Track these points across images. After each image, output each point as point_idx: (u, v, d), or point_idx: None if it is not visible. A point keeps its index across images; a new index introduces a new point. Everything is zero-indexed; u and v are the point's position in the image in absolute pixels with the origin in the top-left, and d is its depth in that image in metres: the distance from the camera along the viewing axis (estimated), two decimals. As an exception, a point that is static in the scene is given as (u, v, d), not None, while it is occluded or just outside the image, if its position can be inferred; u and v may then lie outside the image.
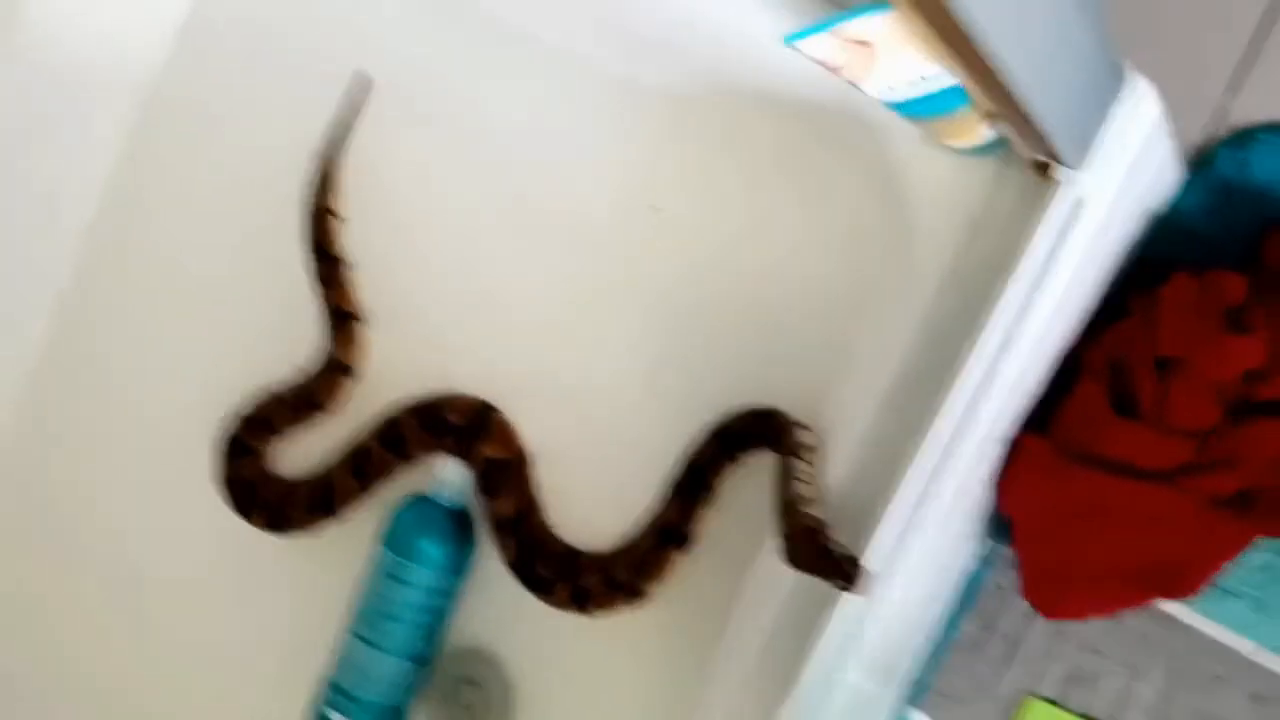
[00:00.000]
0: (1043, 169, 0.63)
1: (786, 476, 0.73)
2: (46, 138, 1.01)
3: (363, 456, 0.91)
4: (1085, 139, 0.61)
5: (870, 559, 0.67)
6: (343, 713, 0.88)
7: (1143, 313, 0.78)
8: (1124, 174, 0.66)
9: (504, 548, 0.87)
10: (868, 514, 0.68)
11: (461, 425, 0.88)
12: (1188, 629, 0.84)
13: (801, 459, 0.74)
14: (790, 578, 0.69)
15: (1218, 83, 0.86)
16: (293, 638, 0.95)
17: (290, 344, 0.96)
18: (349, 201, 0.94)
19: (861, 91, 0.58)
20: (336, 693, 0.89)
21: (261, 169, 0.97)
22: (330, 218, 0.94)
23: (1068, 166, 0.61)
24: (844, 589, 0.66)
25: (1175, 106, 0.82)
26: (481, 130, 0.91)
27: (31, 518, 1.07)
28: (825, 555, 0.67)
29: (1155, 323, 0.77)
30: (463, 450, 0.89)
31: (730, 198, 0.82)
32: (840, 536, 0.68)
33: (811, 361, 0.79)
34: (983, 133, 0.63)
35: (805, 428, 0.77)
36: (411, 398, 0.91)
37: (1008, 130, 0.59)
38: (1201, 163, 0.85)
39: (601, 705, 0.87)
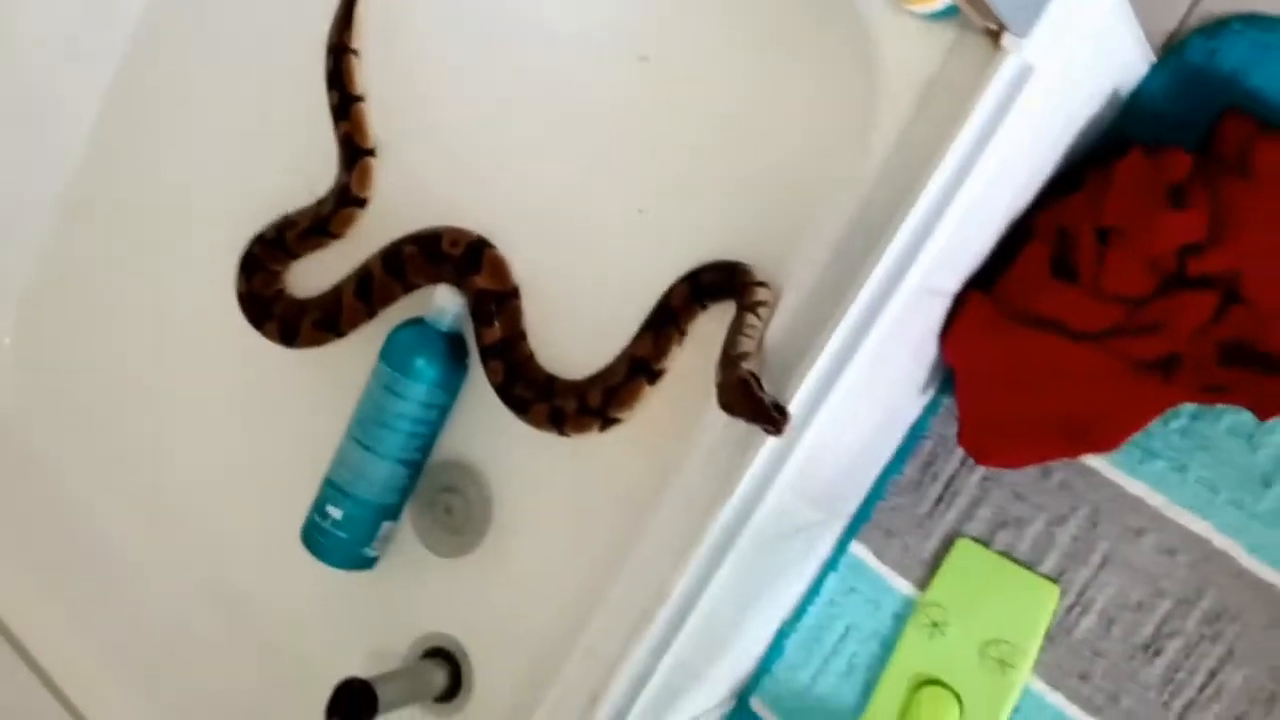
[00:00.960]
0: (994, 36, 0.68)
1: (735, 329, 0.79)
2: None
3: (367, 279, 0.99)
4: (1033, 10, 0.66)
5: (799, 395, 0.73)
6: (339, 506, 0.97)
7: (1095, 185, 0.84)
8: (1075, 48, 0.71)
9: (491, 371, 0.95)
10: (802, 354, 0.73)
11: (457, 256, 0.95)
12: (1109, 483, 0.91)
13: (754, 314, 0.80)
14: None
15: (1195, -29, 0.89)
16: (304, 446, 1.03)
17: (309, 175, 1.03)
18: (367, 39, 1.00)
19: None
20: (334, 489, 0.98)
21: (286, 11, 1.03)
22: (348, 55, 1.00)
23: (1014, 34, 0.66)
24: (770, 433, 0.72)
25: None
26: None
27: (67, 330, 1.16)
28: (754, 403, 0.72)
29: (1103, 194, 0.82)
30: (458, 280, 0.96)
31: (713, 55, 0.87)
32: (774, 377, 0.74)
33: (779, 213, 0.85)
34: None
35: (764, 285, 0.82)
36: (415, 229, 0.98)
37: (957, -5, 0.64)
38: (1173, 49, 0.89)
39: (568, 516, 0.95)
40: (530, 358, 0.95)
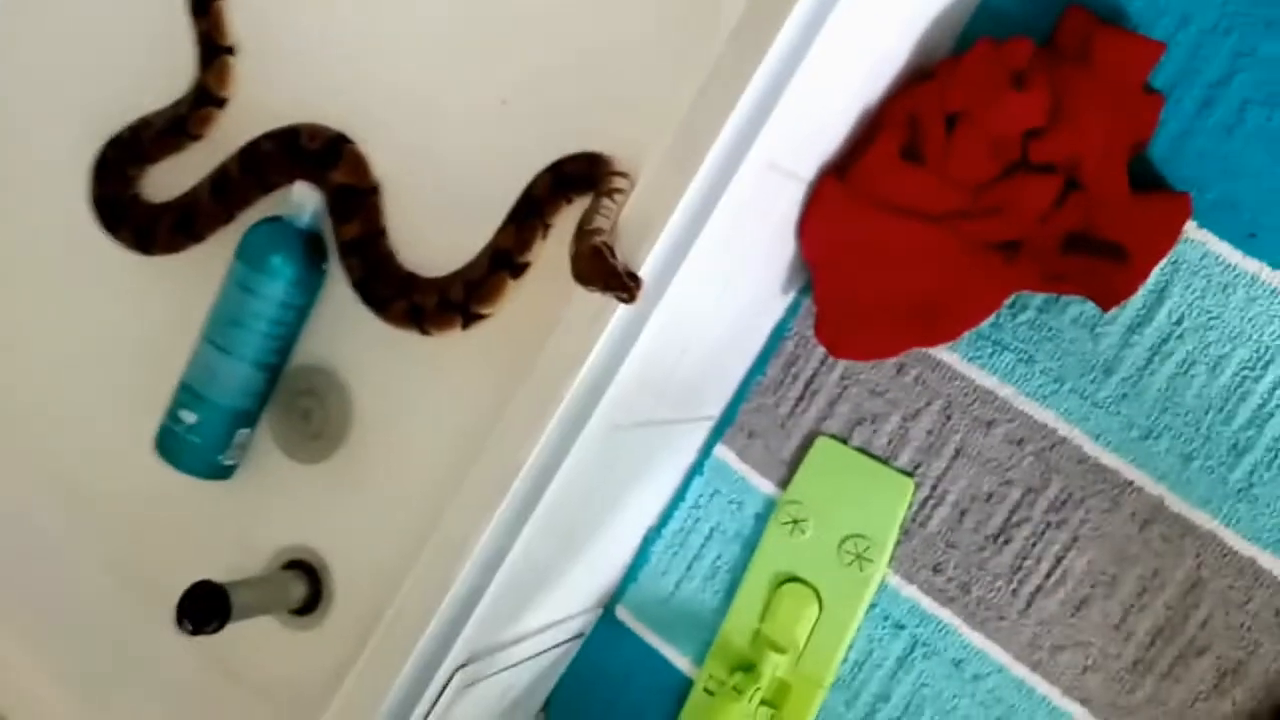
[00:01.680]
0: (830, -101, 0.69)
1: (592, 209, 0.79)
2: None
3: (224, 180, 0.97)
4: None
5: (649, 263, 0.73)
6: (193, 411, 0.95)
7: (944, 73, 0.85)
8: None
9: (349, 268, 0.93)
10: (652, 224, 0.74)
11: (316, 151, 0.94)
12: (961, 376, 0.93)
13: (609, 198, 0.80)
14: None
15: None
16: (164, 356, 1.00)
17: (166, 75, 1.00)
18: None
19: None
20: (188, 393, 0.96)
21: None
22: (205, -49, 0.98)
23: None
24: (623, 300, 0.72)
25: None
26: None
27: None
28: (608, 271, 0.72)
29: (951, 80, 0.84)
30: (316, 177, 0.94)
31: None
32: (626, 249, 0.74)
33: (635, 93, 0.85)
34: None
35: (624, 175, 0.82)
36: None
37: None
38: (1019, -47, 0.92)
39: (431, 417, 0.95)
40: (390, 255, 0.94)
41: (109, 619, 1.02)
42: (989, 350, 0.92)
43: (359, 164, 0.94)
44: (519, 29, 0.90)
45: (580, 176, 0.86)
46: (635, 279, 0.72)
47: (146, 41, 1.02)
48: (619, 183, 0.81)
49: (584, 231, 0.76)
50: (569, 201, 0.88)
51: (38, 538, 1.06)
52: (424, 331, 0.92)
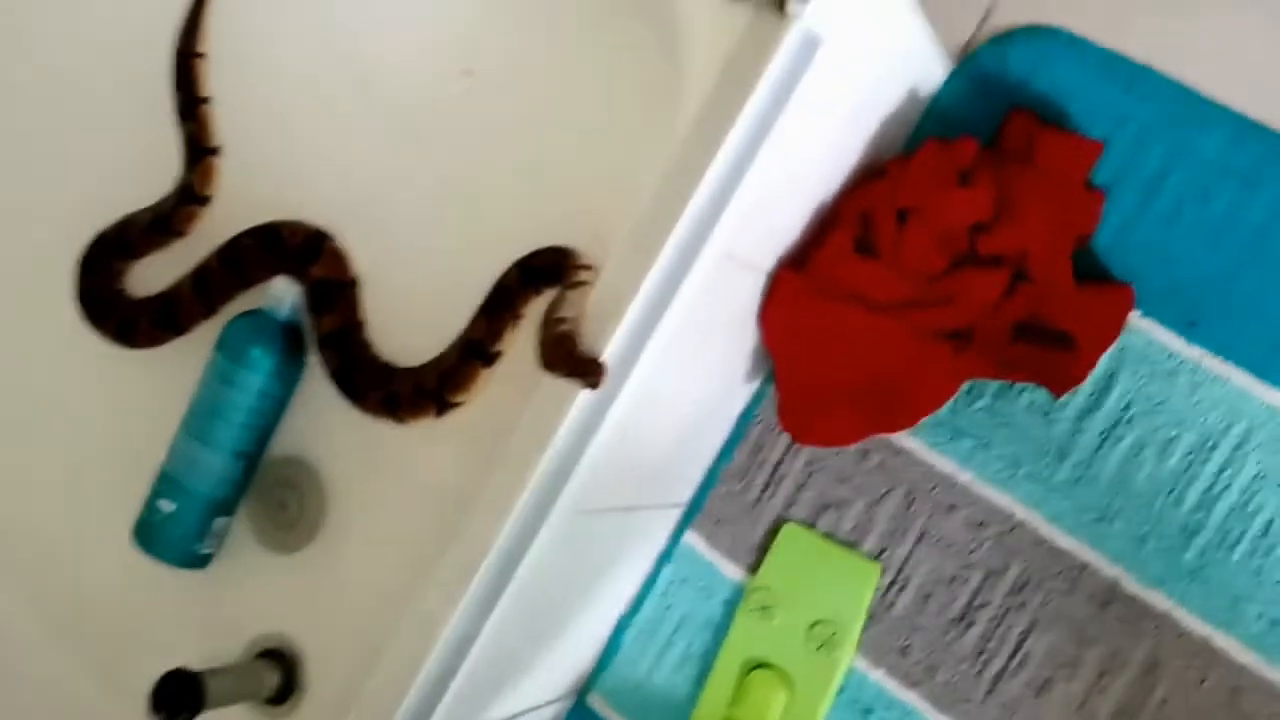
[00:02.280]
0: (779, 7, 0.74)
1: (558, 300, 0.83)
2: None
3: (205, 275, 1.00)
4: (812, -23, 0.72)
5: (609, 351, 0.77)
6: (171, 500, 0.97)
7: (894, 172, 0.90)
8: (860, 23, 0.77)
9: (326, 359, 0.96)
10: (612, 314, 0.77)
11: (296, 246, 0.97)
12: (921, 462, 0.95)
13: (575, 290, 0.84)
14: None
15: (986, -11, 0.98)
16: (142, 448, 1.02)
17: (152, 174, 1.04)
18: (213, 44, 1.03)
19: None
20: (166, 482, 0.97)
21: (135, 14, 1.05)
22: (195, 58, 1.03)
23: (795, 0, 0.72)
24: (589, 385, 0.76)
25: (949, 8, 0.95)
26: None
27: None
28: (572, 358, 0.76)
29: (901, 178, 0.88)
30: (297, 271, 0.97)
31: (535, 58, 0.93)
32: (588, 338, 0.78)
33: (598, 197, 0.89)
34: (732, -25, 0.74)
35: (589, 268, 0.86)
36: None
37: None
38: (967, 58, 0.97)
39: (405, 506, 0.96)
40: (367, 346, 0.97)
41: (80, 708, 1.02)
42: (948, 436, 0.94)
43: (338, 259, 0.97)
44: (491, 128, 0.95)
45: (548, 269, 0.90)
46: (599, 365, 0.75)
47: (132, 141, 1.06)
48: (584, 275, 0.85)
49: (550, 320, 0.80)
50: (538, 293, 0.91)
51: (8, 626, 1.06)
52: (399, 420, 0.94)
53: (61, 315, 1.05)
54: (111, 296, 1.04)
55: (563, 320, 0.80)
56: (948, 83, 0.96)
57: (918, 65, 0.93)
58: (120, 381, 1.06)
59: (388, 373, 0.95)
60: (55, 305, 1.06)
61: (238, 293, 1.00)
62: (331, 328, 0.96)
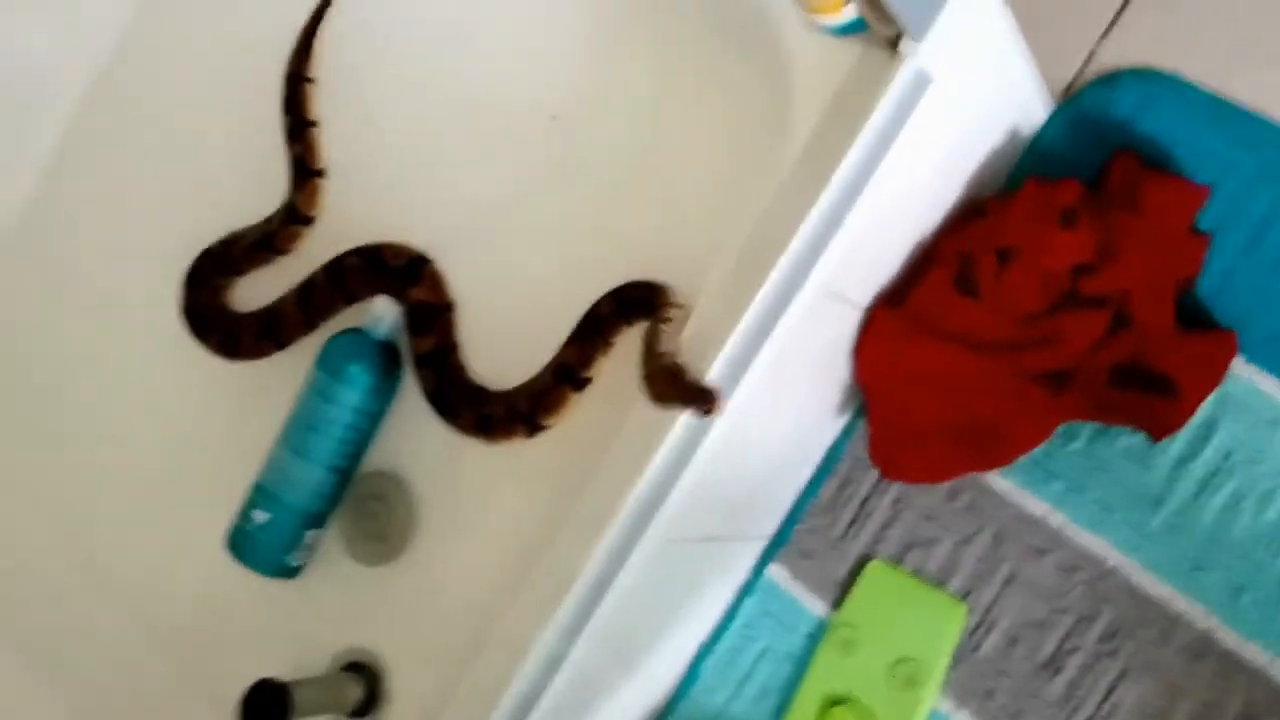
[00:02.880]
0: (892, 44, 0.74)
1: (653, 334, 0.83)
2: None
3: (309, 291, 1.02)
4: (926, 15, 0.72)
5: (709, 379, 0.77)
6: (264, 510, 0.99)
7: (995, 211, 0.89)
8: (970, 62, 0.78)
9: (423, 379, 0.98)
10: (710, 345, 0.77)
11: (398, 268, 0.99)
12: (1012, 503, 0.94)
13: (667, 324, 0.84)
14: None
15: (1093, 28, 0.97)
16: (241, 457, 1.04)
17: (260, 193, 1.07)
18: (322, 67, 1.06)
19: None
20: (261, 493, 0.99)
21: (249, 39, 1.09)
22: (305, 82, 1.05)
23: (911, 38, 0.72)
24: (703, 413, 0.75)
25: (1053, 48, 0.95)
26: (440, 15, 1.02)
27: (24, 331, 1.19)
28: (686, 387, 0.76)
29: (1002, 217, 0.88)
30: (396, 292, 0.99)
31: (639, 92, 0.94)
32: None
33: (696, 232, 0.90)
34: (846, 11, 0.75)
35: (679, 306, 0.86)
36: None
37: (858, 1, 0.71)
38: (1070, 98, 0.96)
39: (493, 524, 0.97)
40: (462, 368, 0.98)
41: (171, 711, 1.05)
42: (1040, 478, 0.93)
43: (438, 282, 0.99)
44: (591, 161, 0.96)
45: (641, 302, 0.90)
46: (713, 393, 0.75)
47: (239, 161, 1.08)
48: (675, 313, 0.85)
49: (652, 354, 0.80)
50: (629, 324, 0.92)
51: (104, 631, 1.09)
52: (491, 440, 0.95)
53: (167, 328, 1.08)
54: (215, 310, 1.07)
55: (663, 354, 0.80)
56: (1050, 122, 0.96)
57: (1021, 104, 0.93)
58: (221, 394, 1.08)
59: (481, 394, 0.96)
60: (161, 318, 1.09)
61: (339, 309, 1.02)
62: (428, 348, 0.98)
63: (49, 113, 1.16)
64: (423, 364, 0.98)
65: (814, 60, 0.82)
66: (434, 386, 0.97)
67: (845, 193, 0.76)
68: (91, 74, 1.16)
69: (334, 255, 1.02)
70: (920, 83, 0.75)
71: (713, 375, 0.78)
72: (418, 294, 0.98)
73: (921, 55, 0.73)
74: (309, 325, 1.02)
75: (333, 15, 1.05)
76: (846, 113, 0.76)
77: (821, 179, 0.76)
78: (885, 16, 0.71)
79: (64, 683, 1.03)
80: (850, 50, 0.78)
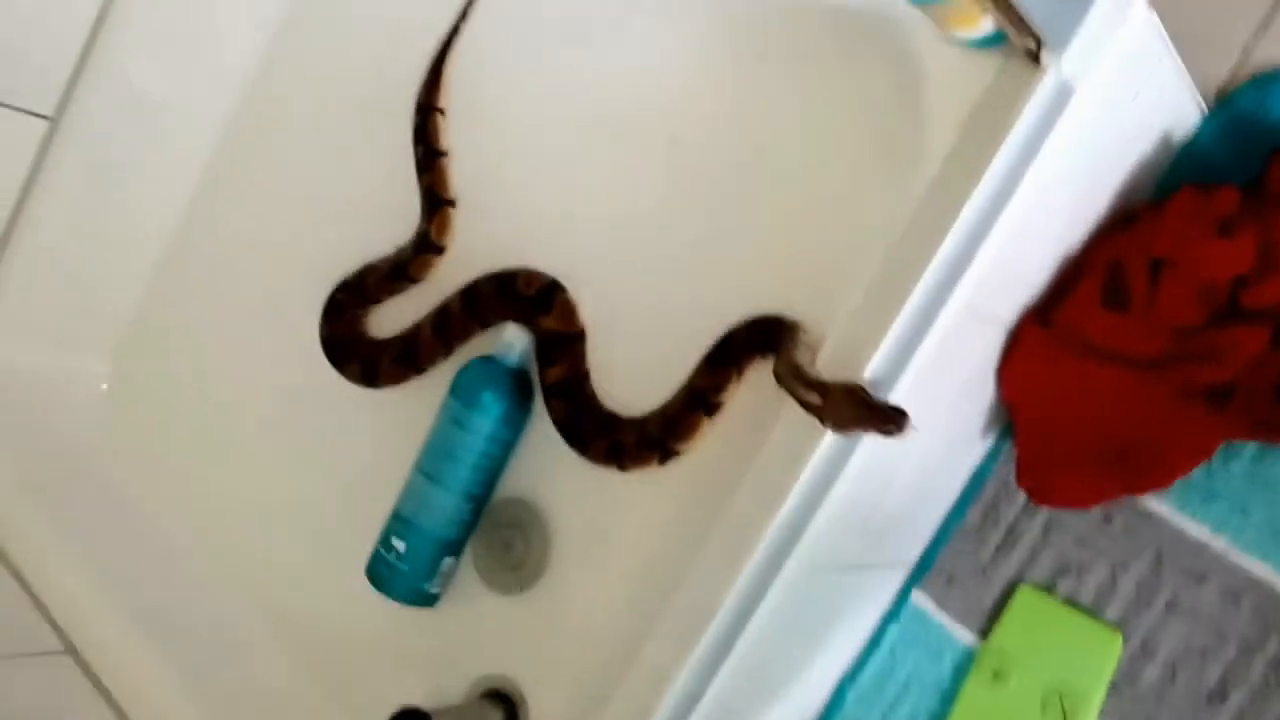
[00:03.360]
0: (1033, 56, 0.71)
1: (796, 367, 0.78)
2: (203, 33, 1.17)
3: (445, 316, 1.03)
4: (1067, 25, 0.69)
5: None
6: (402, 539, 1.00)
7: (1147, 220, 0.85)
8: (1113, 71, 0.74)
9: (553, 409, 0.98)
10: (853, 371, 0.75)
11: (531, 296, 0.99)
12: (1171, 526, 0.90)
13: (801, 354, 0.81)
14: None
15: (1246, 27, 0.92)
16: (381, 485, 1.05)
17: (395, 223, 1.08)
18: (452, 99, 1.07)
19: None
20: (399, 521, 1.00)
21: (386, 73, 1.10)
22: (435, 113, 1.06)
23: (1050, 49, 0.69)
24: (891, 434, 0.72)
25: (1204, 49, 0.90)
26: (569, 46, 1.02)
27: (160, 376, 1.23)
28: (870, 408, 0.73)
29: (1155, 227, 0.84)
30: (528, 319, 0.99)
31: (772, 103, 0.92)
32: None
33: (832, 243, 0.88)
34: (983, 24, 0.72)
35: (810, 348, 0.83)
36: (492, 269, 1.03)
37: (993, 10, 0.68)
38: (1224, 100, 0.92)
39: (626, 552, 0.96)
40: (592, 396, 0.98)
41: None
42: (1200, 499, 0.89)
43: (569, 311, 0.99)
44: (720, 183, 0.94)
45: (773, 336, 0.88)
46: (902, 411, 0.72)
47: (372, 191, 1.10)
48: (805, 354, 0.82)
49: (813, 384, 0.76)
50: (763, 356, 0.90)
51: (257, 664, 1.11)
52: (623, 468, 0.94)
53: (309, 357, 1.10)
54: (354, 340, 1.09)
55: (825, 381, 0.76)
56: (1203, 126, 0.91)
57: (1171, 108, 0.88)
58: (361, 424, 1.10)
59: (612, 421, 0.96)
60: (305, 348, 1.11)
61: (475, 334, 1.03)
62: (558, 378, 0.98)
63: (189, 149, 1.20)
64: (553, 394, 0.98)
65: (951, 73, 0.79)
66: (565, 416, 0.97)
67: (987, 209, 0.74)
68: (228, 113, 1.19)
69: (469, 280, 1.03)
70: (1063, 94, 0.72)
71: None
72: (549, 323, 0.98)
73: (1064, 66, 0.70)
74: (446, 350, 1.03)
75: (460, 45, 1.06)
76: (987, 127, 0.73)
77: (962, 195, 0.73)
78: (1025, 28, 0.68)
79: (207, 703, 1.05)
80: (989, 62, 0.75)
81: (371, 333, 1.10)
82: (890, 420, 0.71)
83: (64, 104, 1.16)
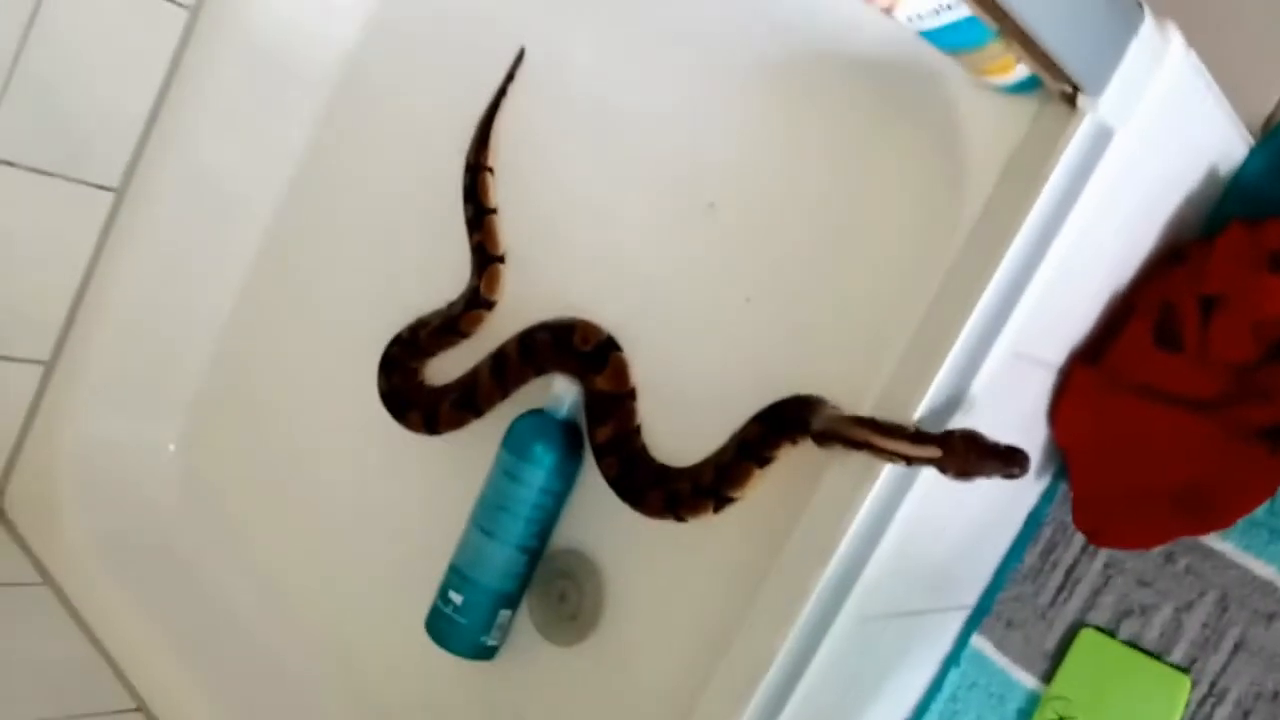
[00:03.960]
0: (1070, 99, 0.71)
1: (896, 426, 0.76)
2: (260, 107, 1.20)
3: (502, 361, 1.04)
4: (1103, 68, 0.69)
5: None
6: (459, 592, 1.01)
7: (1196, 257, 0.84)
8: (1154, 112, 0.73)
9: (605, 466, 0.97)
10: (901, 415, 0.75)
11: (587, 353, 0.99)
12: (1236, 565, 0.88)
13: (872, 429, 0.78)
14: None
15: (1293, 57, 0.91)
16: (441, 539, 1.06)
17: (445, 279, 1.10)
18: (500, 157, 1.09)
19: (894, 19, 0.67)
20: (456, 574, 1.01)
21: (434, 136, 1.12)
22: (484, 172, 1.08)
23: (1086, 93, 0.69)
24: (1015, 476, 0.74)
25: (1247, 82, 0.89)
26: (611, 104, 1.03)
27: (225, 438, 1.26)
28: (994, 452, 0.74)
29: (1205, 264, 0.83)
30: (581, 375, 1.00)
31: (809, 159, 0.92)
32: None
33: (876, 294, 0.88)
34: (1018, 69, 0.72)
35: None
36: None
37: (1024, 56, 0.68)
38: (1272, 131, 0.90)
39: (681, 603, 0.96)
40: (643, 450, 0.98)
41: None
42: (1265, 537, 0.87)
43: (621, 371, 0.99)
44: (762, 243, 0.95)
45: (801, 421, 0.87)
46: (1021, 451, 0.74)
47: (425, 254, 1.12)
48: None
49: (924, 437, 0.75)
50: (793, 443, 0.89)
51: (312, 714, 1.12)
52: (679, 518, 0.94)
53: (368, 417, 1.12)
54: (411, 390, 1.10)
55: (931, 433, 0.76)
56: (1250, 159, 0.90)
57: (1216, 143, 0.87)
58: (423, 479, 1.11)
59: (665, 473, 0.96)
60: (362, 408, 1.13)
61: (530, 380, 1.03)
62: (607, 437, 0.98)
63: (250, 219, 1.23)
64: (604, 452, 0.98)
65: (989, 121, 0.79)
66: (617, 473, 0.97)
67: (1029, 253, 0.73)
68: (286, 182, 1.22)
69: (530, 326, 1.03)
70: (1103, 136, 0.72)
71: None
72: (601, 383, 0.99)
73: (1101, 108, 0.70)
74: (503, 393, 1.04)
75: (507, 106, 1.08)
76: (1025, 172, 0.73)
77: (1003, 241, 0.73)
78: (1059, 73, 0.68)
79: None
80: (1027, 107, 0.75)
81: (427, 385, 1.11)
82: (1014, 462, 0.74)
83: (129, 177, 1.20)
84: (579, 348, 1.00)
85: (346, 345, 1.16)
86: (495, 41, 1.09)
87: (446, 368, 1.09)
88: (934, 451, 0.74)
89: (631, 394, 0.99)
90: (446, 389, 1.08)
